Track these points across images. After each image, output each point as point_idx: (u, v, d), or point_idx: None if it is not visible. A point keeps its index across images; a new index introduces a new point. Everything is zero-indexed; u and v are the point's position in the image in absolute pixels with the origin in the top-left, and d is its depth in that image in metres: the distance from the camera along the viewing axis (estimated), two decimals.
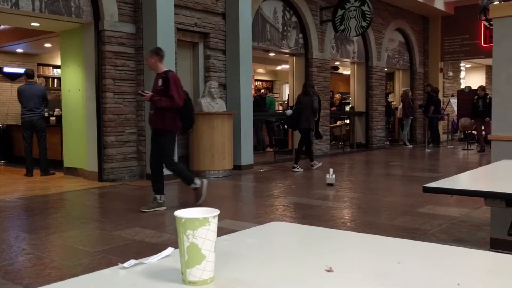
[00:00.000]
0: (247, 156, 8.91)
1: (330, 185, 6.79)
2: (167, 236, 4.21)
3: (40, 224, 4.90)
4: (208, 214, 1.06)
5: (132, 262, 1.17)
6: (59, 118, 9.16)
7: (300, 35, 11.30)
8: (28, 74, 8.70)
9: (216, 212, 1.07)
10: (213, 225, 1.05)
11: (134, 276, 1.11)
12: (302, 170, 8.58)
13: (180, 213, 1.07)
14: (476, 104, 12.48)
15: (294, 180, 7.76)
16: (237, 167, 8.56)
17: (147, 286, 1.06)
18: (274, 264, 1.20)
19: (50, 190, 6.85)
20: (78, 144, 8.02)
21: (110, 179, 7.45)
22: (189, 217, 1.05)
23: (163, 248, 1.26)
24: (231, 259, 1.21)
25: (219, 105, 8.21)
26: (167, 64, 7.73)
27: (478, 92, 12.76)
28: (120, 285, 1.09)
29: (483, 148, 12.14)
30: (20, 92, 8.44)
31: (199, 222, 1.04)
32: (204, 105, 8.02)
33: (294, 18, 11.13)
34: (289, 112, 9.18)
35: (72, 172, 8.18)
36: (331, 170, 6.95)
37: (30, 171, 8.28)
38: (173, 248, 1.25)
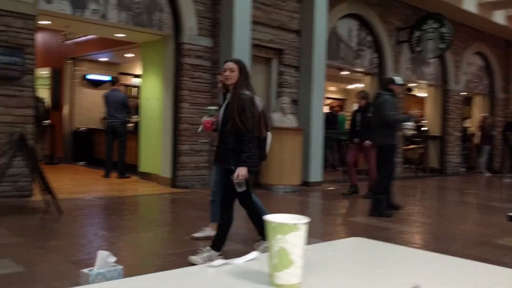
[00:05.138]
0: (316, 173, 8.86)
1: None
2: (236, 245, 4.26)
3: (116, 224, 5.15)
4: (298, 221, 1.09)
5: (220, 261, 1.22)
6: (136, 124, 9.61)
7: (375, 55, 11.16)
8: (111, 81, 9.27)
9: (307, 219, 1.10)
10: (303, 231, 1.08)
11: (223, 275, 1.16)
12: None
13: (271, 217, 1.11)
14: None
15: (364, 200, 7.61)
16: (305, 183, 8.54)
17: (235, 285, 1.10)
18: (358, 278, 1.21)
19: (126, 192, 7.17)
20: (153, 150, 8.35)
21: (182, 185, 7.68)
22: (279, 222, 1.08)
23: (231, 255, 1.30)
24: (315, 269, 1.23)
25: (290, 121, 8.25)
26: None
27: None
28: (210, 281, 1.14)
29: None
30: (104, 98, 8.96)
31: (289, 227, 1.07)
32: (275, 120, 8.10)
33: (369, 38, 11.02)
34: None
35: (146, 176, 8.52)
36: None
37: (108, 173, 8.71)
38: (258, 252, 1.29)
